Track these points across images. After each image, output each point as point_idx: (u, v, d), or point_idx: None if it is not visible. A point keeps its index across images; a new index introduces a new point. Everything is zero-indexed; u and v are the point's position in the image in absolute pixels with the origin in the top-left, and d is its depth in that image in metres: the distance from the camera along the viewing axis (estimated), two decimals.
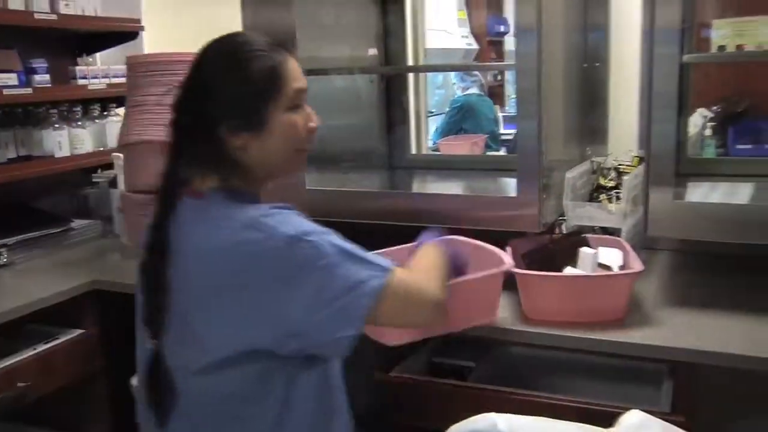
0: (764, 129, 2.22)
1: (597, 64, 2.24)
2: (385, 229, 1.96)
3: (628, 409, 1.17)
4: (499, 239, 1.87)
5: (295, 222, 1.23)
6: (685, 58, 1.71)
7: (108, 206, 2.65)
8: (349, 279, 1.21)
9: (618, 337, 1.62)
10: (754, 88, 2.28)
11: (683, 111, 2.00)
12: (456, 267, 1.53)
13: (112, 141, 2.70)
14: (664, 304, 1.81)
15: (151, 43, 2.93)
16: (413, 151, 2.71)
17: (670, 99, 1.69)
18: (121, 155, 2.34)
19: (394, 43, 2.64)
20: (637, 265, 1.72)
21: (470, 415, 1.13)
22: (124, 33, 2.82)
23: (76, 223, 2.59)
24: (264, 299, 1.21)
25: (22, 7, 2.44)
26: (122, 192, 2.17)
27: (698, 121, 2.20)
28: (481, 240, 1.87)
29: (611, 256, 1.83)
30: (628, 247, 1.84)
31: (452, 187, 2.53)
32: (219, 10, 2.38)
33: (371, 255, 1.28)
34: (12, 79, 2.41)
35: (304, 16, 2.31)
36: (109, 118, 2.80)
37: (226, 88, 1.27)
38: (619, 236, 1.93)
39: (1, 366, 1.93)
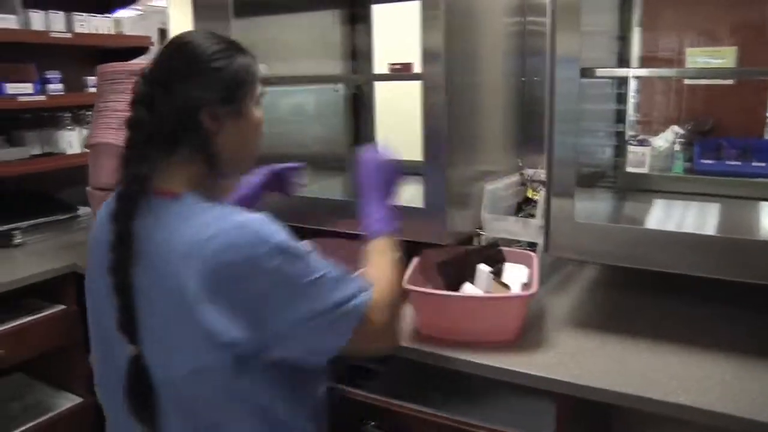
0: (726, 146, 1.75)
1: (536, 79, 1.79)
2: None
3: None
4: (415, 249, 1.49)
5: (282, 233, 0.99)
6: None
7: None
8: (346, 292, 1.01)
9: (500, 362, 1.22)
10: (720, 108, 1.80)
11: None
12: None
13: None
14: (565, 325, 1.38)
15: None
16: None
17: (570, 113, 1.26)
18: None
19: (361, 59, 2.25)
20: (533, 287, 1.29)
21: None
22: (137, 48, 2.55)
23: (82, 211, 2.39)
24: (254, 305, 0.95)
25: (42, 28, 2.23)
26: (87, 188, 1.89)
27: (669, 137, 1.75)
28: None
29: (515, 274, 1.42)
30: (536, 264, 1.41)
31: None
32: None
33: (350, 274, 1.06)
34: (28, 88, 2.23)
35: (275, 32, 2.00)
36: None
37: (213, 71, 1.03)
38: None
39: None
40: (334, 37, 2.21)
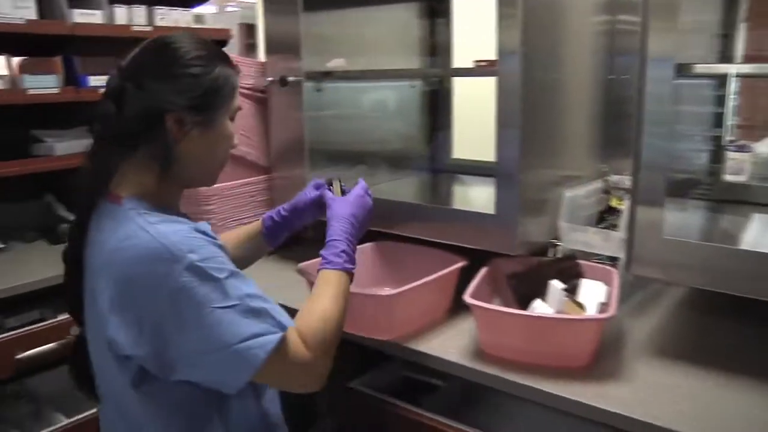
0: None
1: (625, 76, 1.63)
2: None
3: None
4: (485, 258, 1.39)
5: (203, 249, 0.92)
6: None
7: None
8: (246, 329, 0.91)
9: (570, 392, 1.09)
10: None
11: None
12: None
13: None
14: (646, 353, 1.24)
15: None
16: (455, 155, 2.20)
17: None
18: None
19: (440, 55, 2.14)
20: (610, 308, 1.16)
21: None
22: (217, 41, 2.53)
23: None
24: (156, 322, 0.90)
25: (125, 22, 2.26)
26: None
27: None
28: (466, 258, 1.42)
29: (592, 291, 1.28)
30: (616, 281, 1.27)
31: (464, 194, 2.04)
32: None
33: (273, 307, 0.96)
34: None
35: (350, 27, 1.94)
36: None
37: (188, 76, 0.98)
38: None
39: None
40: (412, 32, 2.13)
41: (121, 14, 2.24)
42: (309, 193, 1.30)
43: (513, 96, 1.29)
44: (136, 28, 2.27)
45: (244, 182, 1.85)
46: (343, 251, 1.11)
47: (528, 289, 1.37)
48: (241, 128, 1.79)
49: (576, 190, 1.47)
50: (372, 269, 1.60)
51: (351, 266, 1.11)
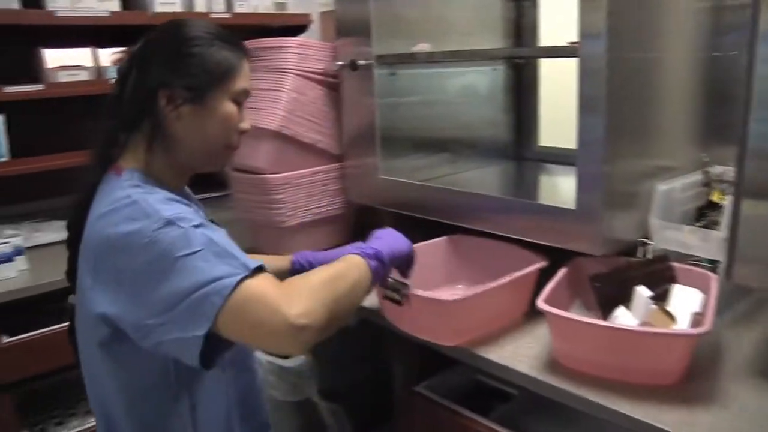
0: None
1: (734, 53, 1.43)
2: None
3: None
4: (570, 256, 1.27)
5: (173, 209, 0.93)
6: None
7: None
8: (207, 273, 0.87)
9: (654, 417, 0.96)
10: None
11: None
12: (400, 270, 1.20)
13: None
14: (747, 374, 1.07)
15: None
16: (542, 142, 2.05)
17: None
18: None
19: (525, 37, 2.00)
20: (705, 321, 1.01)
21: None
22: (297, 26, 2.50)
23: None
24: (130, 280, 0.90)
25: (204, 9, 2.27)
26: (229, 170, 1.87)
27: None
28: (546, 258, 1.32)
29: (686, 299, 1.13)
30: (714, 288, 1.12)
31: (549, 186, 1.88)
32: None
33: (241, 255, 0.92)
34: None
35: (428, 8, 1.84)
36: None
37: (185, 55, 1.00)
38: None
39: None
40: (495, 13, 1.99)
41: (201, 1, 2.25)
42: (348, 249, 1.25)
43: (596, 78, 1.15)
44: (215, 15, 2.28)
45: (315, 170, 1.80)
46: (372, 248, 1.08)
47: (613, 292, 1.23)
48: (310, 114, 1.73)
49: (671, 183, 1.31)
50: (446, 264, 1.51)
51: (373, 260, 1.06)
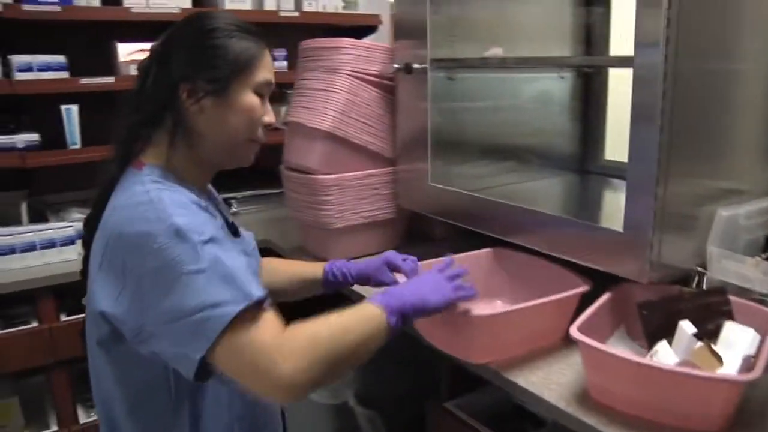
0: None
1: None
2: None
3: None
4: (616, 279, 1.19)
5: (186, 217, 0.90)
6: None
7: None
8: (210, 296, 0.85)
9: None
10: None
11: None
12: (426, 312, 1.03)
13: None
14: None
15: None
16: (608, 156, 1.94)
17: None
18: None
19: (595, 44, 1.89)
20: (757, 367, 0.91)
21: None
22: (366, 27, 2.49)
23: None
24: (135, 283, 0.89)
25: (273, 8, 2.29)
26: (280, 166, 1.87)
27: None
28: (590, 282, 1.24)
29: (739, 339, 1.03)
30: None
31: (610, 203, 1.77)
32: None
33: (248, 279, 0.89)
34: None
35: (491, 12, 1.78)
36: None
37: (205, 47, 0.99)
38: None
39: None
40: (563, 19, 1.90)
41: (270, 0, 2.27)
42: (382, 270, 1.24)
43: (651, 90, 1.06)
44: (283, 14, 2.30)
45: (367, 174, 1.77)
46: (399, 299, 0.98)
47: (662, 322, 1.14)
48: (363, 116, 1.71)
49: (735, 208, 1.20)
50: (486, 278, 1.45)
51: (394, 316, 0.96)
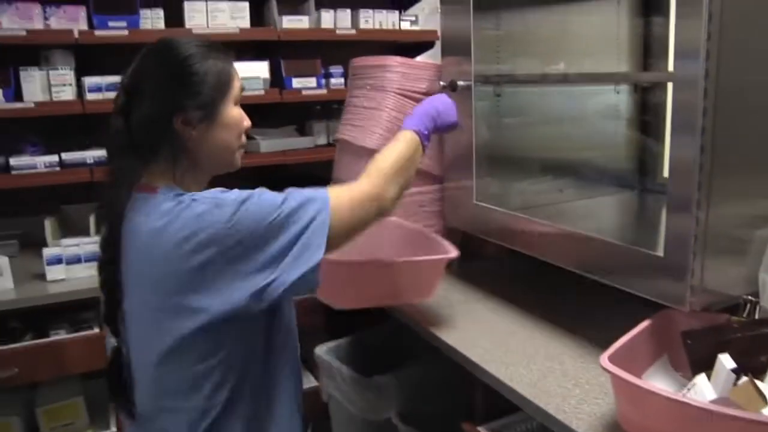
0: None
1: None
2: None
3: None
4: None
5: (233, 192, 1.02)
6: None
7: None
8: (305, 217, 1.02)
9: None
10: None
11: None
12: (443, 126, 1.36)
13: None
14: None
15: None
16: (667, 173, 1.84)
17: None
18: None
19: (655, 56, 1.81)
20: None
21: None
22: (424, 43, 2.50)
23: None
24: (233, 262, 0.98)
25: (330, 26, 2.33)
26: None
27: None
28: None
29: None
30: None
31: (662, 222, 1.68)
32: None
33: (308, 191, 1.07)
34: (311, 82, 2.38)
35: (545, 26, 1.74)
36: None
37: (186, 76, 1.04)
38: None
39: None
40: (621, 30, 1.84)
41: (327, 18, 2.31)
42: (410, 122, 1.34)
43: (690, 105, 1.00)
44: (340, 32, 2.34)
45: (414, 191, 1.77)
46: (428, 127, 1.29)
47: (708, 353, 1.07)
48: None
49: None
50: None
51: (426, 140, 1.27)
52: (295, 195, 1.04)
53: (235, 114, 1.10)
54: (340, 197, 1.07)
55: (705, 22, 0.97)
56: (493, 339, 1.36)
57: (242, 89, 1.13)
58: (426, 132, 1.27)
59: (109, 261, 1.04)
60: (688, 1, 0.99)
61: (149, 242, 0.99)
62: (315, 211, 1.02)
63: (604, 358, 0.99)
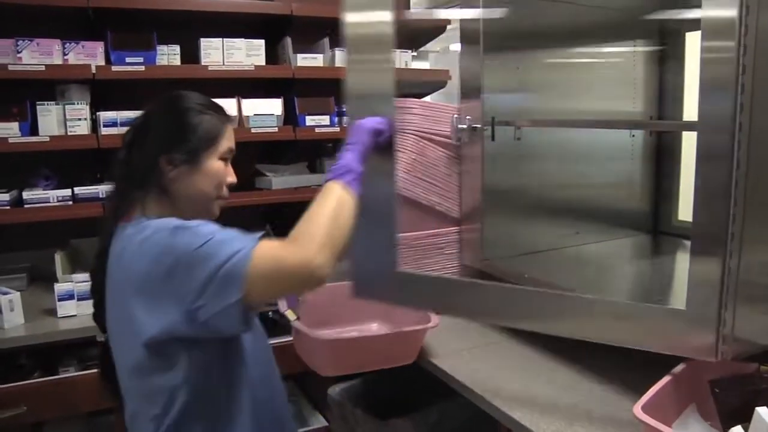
0: None
1: None
2: None
3: None
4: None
5: (180, 220, 1.12)
6: None
7: None
8: (227, 252, 1.05)
9: None
10: None
11: None
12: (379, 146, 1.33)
13: None
14: None
15: None
16: (682, 216, 1.87)
17: None
18: None
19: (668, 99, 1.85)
20: None
21: None
22: (435, 82, 2.53)
23: None
24: (167, 284, 1.07)
25: (343, 64, 2.35)
26: None
27: None
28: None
29: None
30: None
31: (677, 267, 1.69)
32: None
33: (241, 233, 1.11)
34: (325, 120, 2.40)
35: (561, 71, 1.78)
36: None
37: (181, 125, 1.21)
38: None
39: None
40: (636, 74, 1.88)
41: (341, 57, 2.34)
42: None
43: (719, 147, 1.02)
44: None
45: (433, 233, 1.78)
46: (350, 170, 1.20)
47: (738, 403, 1.07)
48: (430, 176, 1.72)
49: None
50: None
51: (354, 184, 1.18)
52: (228, 231, 1.09)
53: (216, 167, 1.22)
54: (267, 249, 1.05)
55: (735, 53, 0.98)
56: (513, 381, 1.36)
57: (231, 151, 1.25)
58: (353, 178, 1.18)
59: (98, 270, 1.21)
60: (714, 56, 1.01)
61: (113, 263, 1.15)
62: (234, 251, 1.04)
63: (638, 409, 0.99)
